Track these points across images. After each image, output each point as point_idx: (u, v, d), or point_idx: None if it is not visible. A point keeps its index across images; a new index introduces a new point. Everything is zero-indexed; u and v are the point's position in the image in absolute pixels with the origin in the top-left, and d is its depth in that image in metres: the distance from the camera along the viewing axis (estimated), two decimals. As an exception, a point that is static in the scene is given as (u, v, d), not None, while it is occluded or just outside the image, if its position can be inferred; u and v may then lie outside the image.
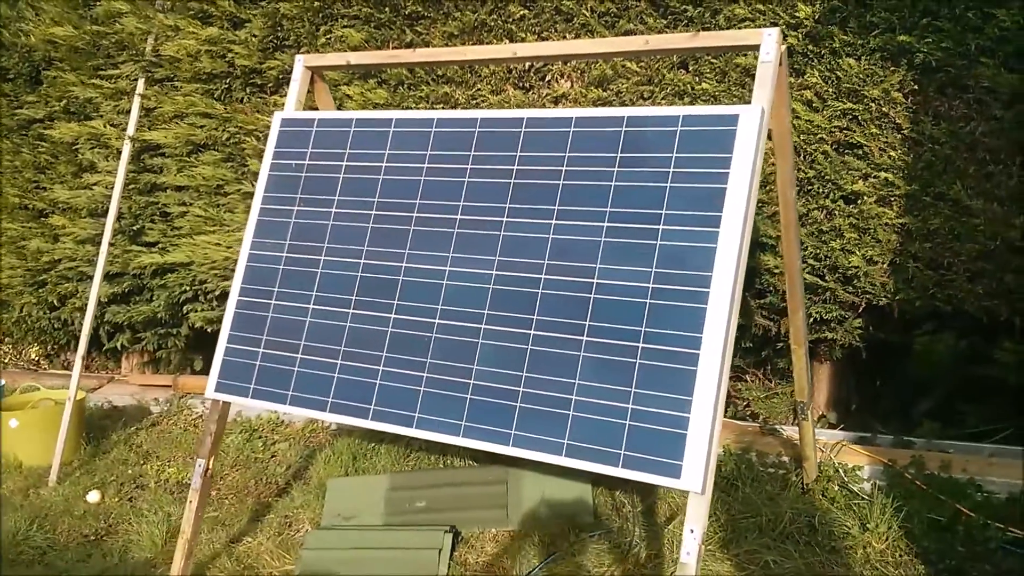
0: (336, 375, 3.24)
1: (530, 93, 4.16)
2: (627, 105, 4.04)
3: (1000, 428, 4.14)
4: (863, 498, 3.73)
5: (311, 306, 3.37)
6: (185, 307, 5.34)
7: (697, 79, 3.79)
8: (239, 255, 3.58)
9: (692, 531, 2.61)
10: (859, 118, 3.53)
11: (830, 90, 3.56)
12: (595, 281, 2.88)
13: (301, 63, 3.68)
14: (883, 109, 3.49)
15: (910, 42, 3.36)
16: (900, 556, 3.42)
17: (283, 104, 4.63)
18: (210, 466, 3.52)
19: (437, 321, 3.11)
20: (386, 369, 3.15)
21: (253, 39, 4.49)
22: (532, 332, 2.93)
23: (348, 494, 4.12)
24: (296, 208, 3.51)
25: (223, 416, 3.57)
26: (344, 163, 3.46)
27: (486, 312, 3.03)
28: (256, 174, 4.85)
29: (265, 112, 4.65)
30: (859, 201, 3.60)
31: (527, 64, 4.09)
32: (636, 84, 3.91)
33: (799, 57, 3.61)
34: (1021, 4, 3.29)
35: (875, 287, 3.74)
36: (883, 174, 3.55)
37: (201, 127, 4.80)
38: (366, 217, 3.35)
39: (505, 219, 3.08)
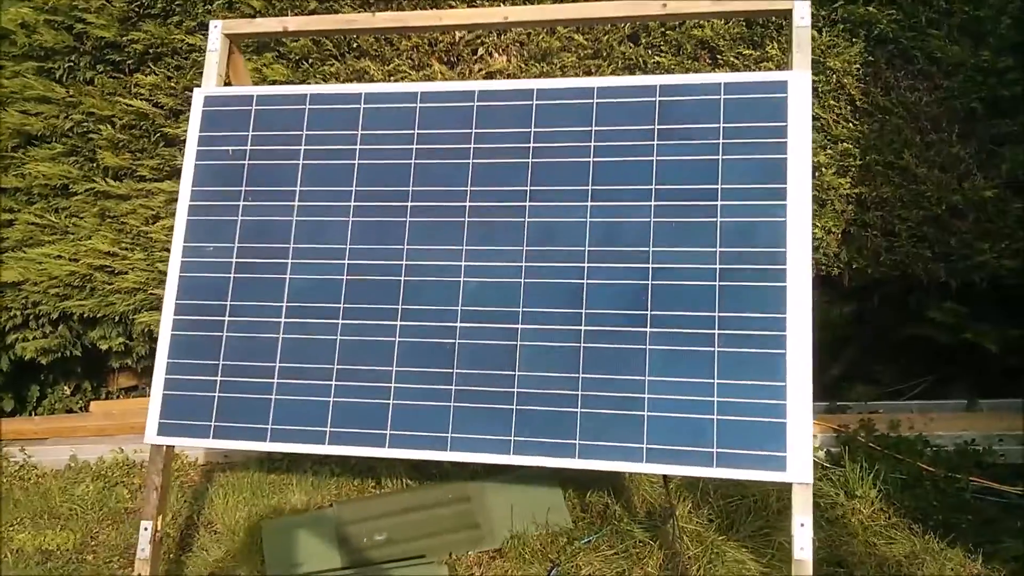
0: (332, 399, 2.71)
1: (458, 68, 3.77)
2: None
3: (915, 385, 4.39)
4: (830, 466, 3.76)
5: (283, 319, 2.80)
6: (10, 336, 4.35)
7: (649, 52, 3.60)
8: (168, 266, 2.91)
9: (803, 524, 2.44)
10: (819, 90, 3.53)
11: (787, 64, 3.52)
12: (651, 266, 2.60)
13: (219, 30, 3.05)
14: (842, 80, 3.52)
15: (873, 13, 3.40)
16: (889, 518, 3.47)
17: (149, 85, 3.88)
18: (159, 527, 2.84)
19: (459, 325, 2.69)
20: (400, 386, 2.68)
21: (111, 6, 3.69)
22: (583, 328, 2.61)
23: (290, 537, 3.52)
24: (243, 203, 2.91)
25: (168, 464, 2.89)
26: (303, 147, 2.91)
27: (521, 310, 2.66)
28: (111, 169, 4.03)
29: (122, 95, 3.85)
30: (818, 173, 3.61)
31: (457, 35, 3.69)
32: (582, 58, 3.65)
33: (758, 28, 3.54)
34: (966, -23, 3.44)
35: (828, 257, 3.77)
36: (841, 145, 3.58)
37: (37, 115, 3.90)
38: (343, 210, 2.83)
39: (528, 203, 2.72)
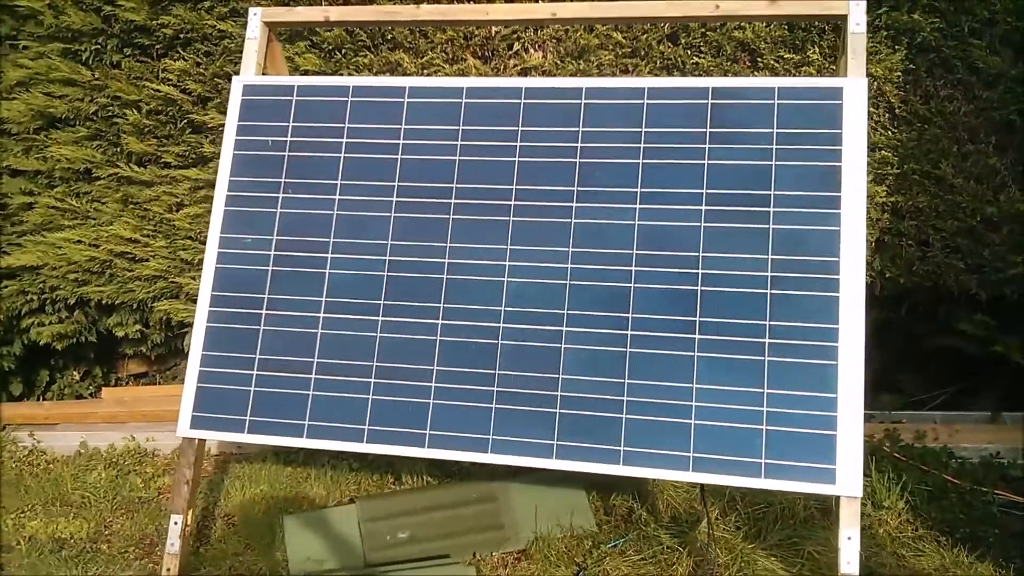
0: (371, 396, 2.67)
1: (492, 63, 3.72)
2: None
3: (936, 395, 4.37)
4: (856, 476, 3.74)
5: (321, 315, 2.75)
6: (25, 320, 4.28)
7: (688, 52, 3.56)
8: (204, 256, 2.86)
9: (850, 538, 2.42)
10: (858, 96, 3.50)
11: (832, 68, 3.49)
12: (700, 271, 2.57)
13: (259, 18, 3.00)
14: (882, 88, 3.49)
15: (917, 21, 3.37)
16: (916, 530, 3.46)
17: (177, 70, 3.82)
18: (188, 522, 2.79)
19: (502, 326, 2.65)
20: (441, 386, 2.64)
21: (143, -11, 3.63)
22: (629, 332, 2.57)
23: (313, 533, 3.47)
24: (282, 195, 2.86)
25: (199, 458, 2.84)
26: (344, 140, 2.86)
27: (566, 312, 2.62)
28: (135, 155, 3.97)
29: (150, 80, 3.79)
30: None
31: (493, 30, 3.64)
32: (620, 57, 3.61)
33: (800, 32, 3.51)
34: (1011, -13, 3.42)
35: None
36: (879, 152, 3.55)
37: (61, 97, 3.82)
38: (385, 205, 2.79)
39: (575, 204, 2.68)
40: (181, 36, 3.74)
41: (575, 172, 2.69)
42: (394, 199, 2.78)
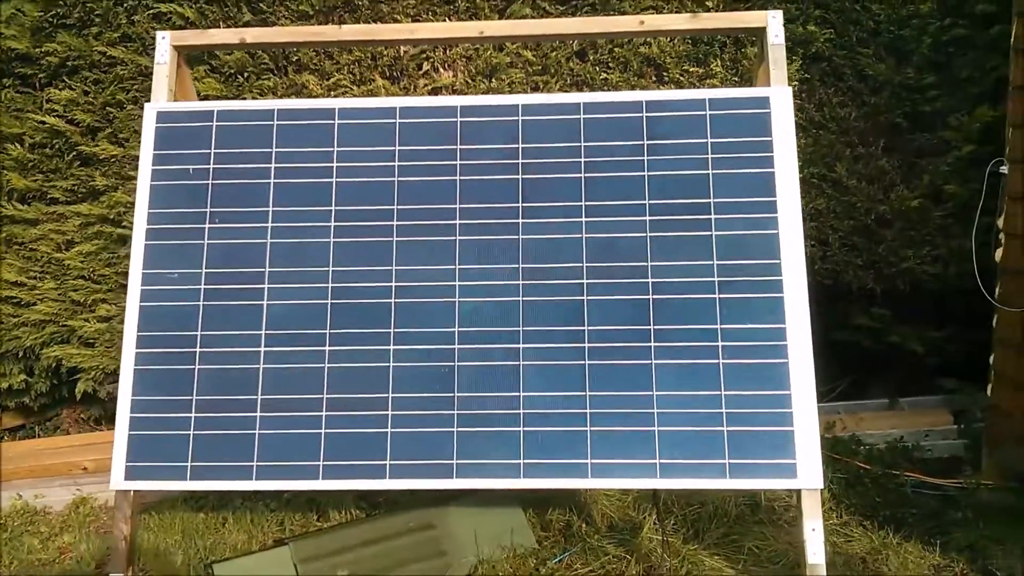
0: (323, 431, 2.56)
1: (401, 83, 3.66)
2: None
3: (834, 387, 4.60)
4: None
5: (262, 349, 2.62)
6: None
7: (596, 68, 3.62)
8: (126, 296, 2.67)
9: (814, 529, 2.50)
10: (759, 106, 3.65)
11: (735, 79, 3.63)
12: (650, 280, 2.61)
13: (167, 42, 2.85)
14: (780, 97, 3.66)
15: (812, 32, 3.55)
16: (840, 516, 3.61)
17: (64, 100, 3.57)
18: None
19: (457, 347, 2.60)
20: (397, 413, 2.56)
21: (23, 16, 3.35)
22: (587, 345, 2.58)
23: (247, 580, 3.30)
24: (208, 226, 2.71)
25: (135, 512, 2.65)
26: (272, 165, 2.74)
27: (521, 329, 2.60)
28: (17, 192, 3.68)
29: (33, 112, 3.51)
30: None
31: (402, 50, 3.59)
32: (530, 74, 3.63)
33: (703, 46, 3.63)
34: (890, 2, 3.65)
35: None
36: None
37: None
38: (323, 231, 2.69)
39: (521, 220, 2.67)
40: (68, 64, 3.50)
41: (519, 188, 2.68)
42: (332, 224, 2.69)
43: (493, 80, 3.63)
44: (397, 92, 3.65)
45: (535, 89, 3.66)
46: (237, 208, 2.71)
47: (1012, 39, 3.52)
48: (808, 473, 2.47)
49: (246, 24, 3.50)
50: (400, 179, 2.71)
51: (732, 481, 2.48)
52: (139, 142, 3.52)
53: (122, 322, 3.71)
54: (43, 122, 3.53)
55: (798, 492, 2.51)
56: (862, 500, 3.69)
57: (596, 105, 2.73)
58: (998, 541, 3.28)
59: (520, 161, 2.70)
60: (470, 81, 3.64)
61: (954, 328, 4.11)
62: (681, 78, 3.64)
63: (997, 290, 3.66)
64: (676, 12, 3.51)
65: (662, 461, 2.49)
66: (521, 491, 3.79)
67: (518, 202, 2.67)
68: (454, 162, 2.71)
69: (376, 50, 3.59)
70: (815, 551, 2.48)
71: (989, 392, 3.78)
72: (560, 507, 3.75)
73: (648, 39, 3.59)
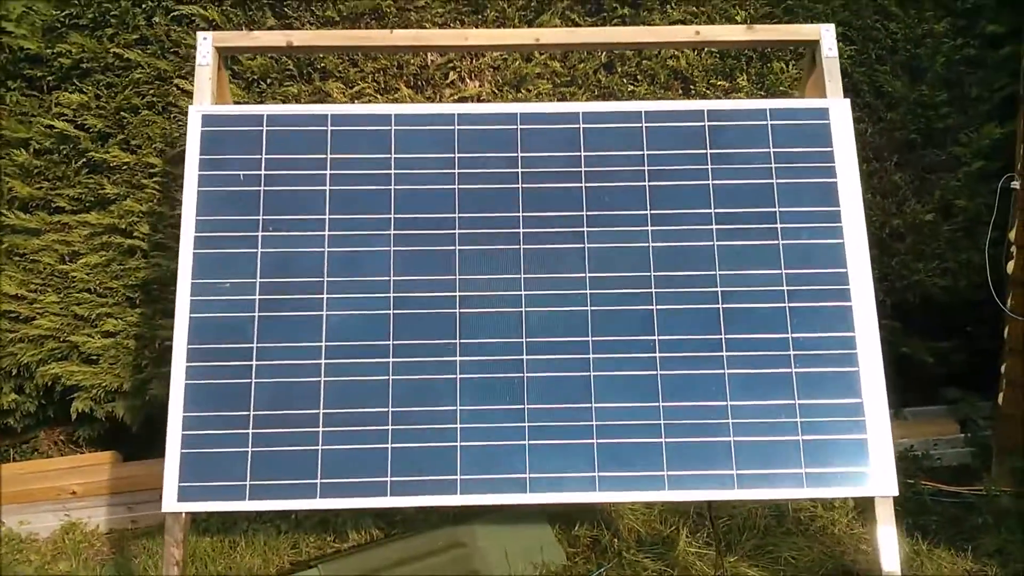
0: (389, 446, 2.47)
1: (426, 92, 3.58)
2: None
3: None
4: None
5: (323, 361, 2.52)
6: None
7: (623, 80, 3.60)
8: (176, 306, 2.54)
9: (888, 536, 2.50)
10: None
11: (760, 93, 3.66)
12: (719, 290, 2.59)
13: (209, 43, 2.73)
14: (802, 111, 3.70)
15: (840, 48, 3.60)
16: (863, 525, 3.64)
17: (72, 103, 3.40)
18: (183, 610, 2.44)
19: (526, 358, 2.54)
20: (466, 427, 2.48)
21: (34, 14, 3.17)
22: (658, 355, 2.54)
23: (278, 606, 3.16)
24: (262, 234, 2.60)
25: (186, 535, 2.50)
26: (328, 172, 2.65)
27: (591, 339, 2.55)
28: (19, 200, 3.48)
29: (40, 114, 3.32)
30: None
31: (429, 59, 3.52)
32: (557, 85, 3.59)
33: (730, 60, 3.65)
34: (906, 21, 3.73)
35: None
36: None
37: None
38: (383, 239, 2.60)
39: (586, 229, 2.63)
40: (80, 66, 3.34)
41: (582, 197, 2.64)
42: (392, 232, 2.60)
43: (520, 91, 3.59)
44: (423, 101, 3.57)
45: (561, 99, 3.63)
46: (292, 216, 2.61)
47: (1023, 59, 3.64)
48: (882, 480, 2.48)
49: (270, 27, 3.39)
50: (460, 187, 2.64)
51: (808, 490, 2.47)
52: (153, 149, 3.42)
53: (129, 337, 3.57)
54: (51, 126, 3.35)
55: (871, 499, 2.51)
56: (884, 509, 3.72)
57: (658, 114, 2.71)
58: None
59: (583, 169, 2.67)
60: (497, 91, 3.59)
61: (960, 339, 4.20)
62: (707, 91, 3.66)
63: (1009, 301, 3.75)
64: (704, 22, 3.52)
65: (739, 472, 2.46)
66: (547, 506, 3.75)
67: (582, 210, 2.63)
68: (515, 170, 2.66)
69: (403, 58, 3.51)
70: (890, 558, 2.48)
71: (1000, 400, 3.86)
72: (586, 522, 3.70)
73: (675, 52, 3.59)
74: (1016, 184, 3.67)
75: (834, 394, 2.52)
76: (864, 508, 3.69)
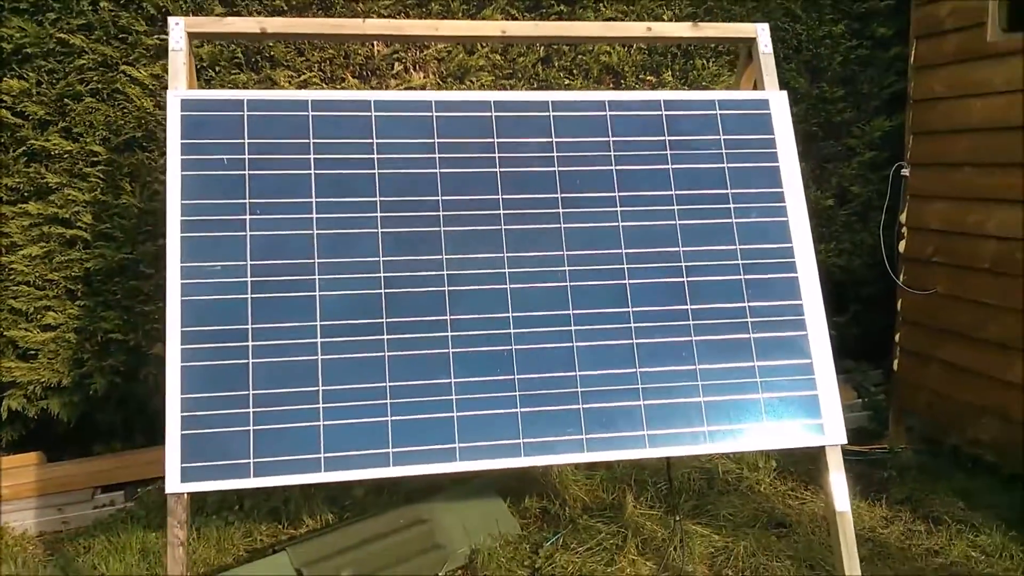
0: (389, 419, 2.57)
1: (371, 82, 3.66)
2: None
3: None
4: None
5: (319, 340, 2.59)
6: None
7: (561, 74, 3.79)
8: (165, 290, 2.55)
9: (838, 480, 2.79)
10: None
11: (684, 87, 3.93)
12: (684, 264, 2.83)
13: (181, 28, 2.75)
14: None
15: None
16: (786, 482, 3.98)
17: (13, 90, 3.29)
18: (189, 589, 2.46)
19: (512, 331, 2.69)
20: (461, 398, 2.62)
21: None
22: (632, 325, 2.76)
23: (251, 589, 3.17)
24: (250, 217, 2.64)
25: (188, 516, 2.52)
26: (312, 156, 2.72)
27: (572, 312, 2.74)
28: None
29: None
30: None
31: (375, 49, 3.60)
32: (498, 78, 3.75)
33: (657, 57, 3.90)
34: (809, 23, 4.09)
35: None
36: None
37: None
38: (370, 221, 2.70)
39: (561, 210, 2.81)
40: (22, 52, 3.24)
41: (556, 180, 2.82)
42: (378, 215, 2.70)
43: (464, 82, 3.73)
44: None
45: (501, 91, 3.78)
46: (278, 199, 2.66)
47: (911, 59, 4.08)
48: (833, 430, 2.77)
49: (215, 15, 3.39)
50: (441, 171, 2.77)
51: (770, 442, 2.73)
52: (96, 137, 3.36)
53: (69, 331, 3.49)
54: (-11, 113, 3.24)
55: (823, 448, 2.81)
56: (800, 468, 4.09)
57: (620, 103, 2.92)
58: (929, 492, 3.77)
59: (555, 154, 2.84)
60: (441, 82, 3.72)
61: (853, 314, 4.64)
62: (636, 85, 3.91)
63: (902, 276, 4.19)
64: (635, 21, 3.76)
65: (709, 428, 2.71)
66: (497, 480, 3.91)
67: (557, 193, 2.81)
68: (492, 155, 2.81)
69: (349, 48, 3.59)
70: (841, 499, 2.78)
71: (895, 367, 4.31)
72: (534, 494, 3.89)
73: (608, 48, 3.82)
74: (906, 171, 4.10)
75: (787, 355, 2.80)
76: (784, 468, 4.07)
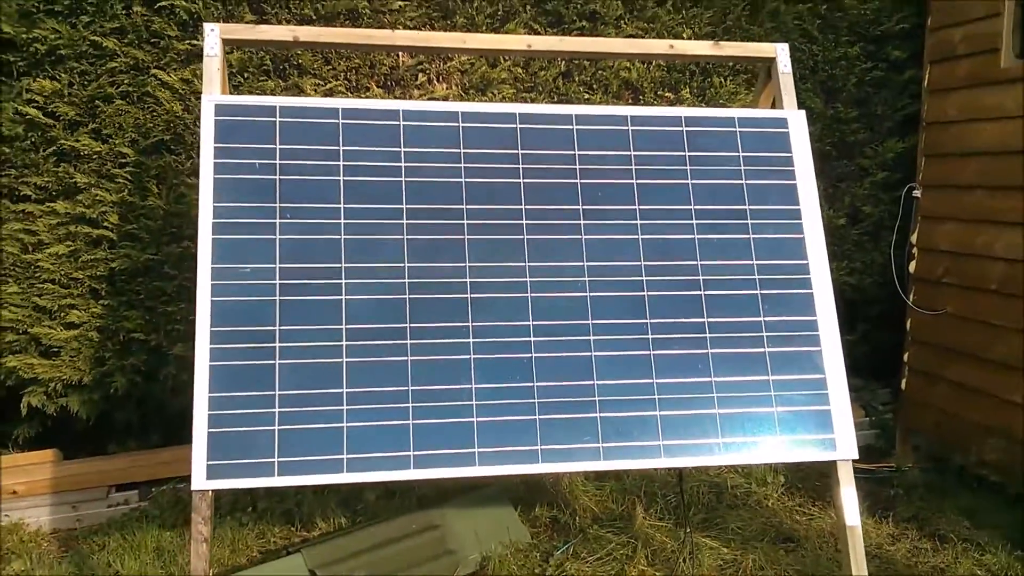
0: (411, 422, 2.62)
1: (395, 92, 3.73)
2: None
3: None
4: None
5: (344, 343, 2.65)
6: None
7: (581, 88, 3.86)
8: (194, 291, 2.61)
9: (849, 494, 2.84)
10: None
11: (701, 104, 3.99)
12: (701, 278, 2.89)
13: (216, 34, 2.82)
14: (737, 123, 4.07)
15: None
16: (793, 498, 4.02)
17: (45, 90, 3.35)
18: (211, 585, 2.50)
19: (533, 339, 2.75)
20: (482, 403, 2.67)
21: (9, -3, 3.12)
22: (650, 336, 2.81)
23: (266, 589, 3.21)
24: (280, 221, 2.70)
25: (213, 513, 2.56)
26: (341, 163, 2.78)
27: (591, 322, 2.79)
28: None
29: (9, 100, 3.25)
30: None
31: (401, 60, 3.67)
32: (519, 91, 3.81)
33: (676, 74, 3.97)
34: (825, 44, 4.17)
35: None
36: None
37: None
38: (396, 228, 2.76)
39: (583, 222, 2.87)
40: (55, 53, 3.30)
41: (578, 192, 2.88)
42: (404, 221, 2.76)
43: (486, 94, 3.79)
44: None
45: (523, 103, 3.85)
46: (308, 204, 2.72)
47: (925, 83, 4.15)
48: (845, 445, 2.82)
49: (248, 23, 3.46)
50: (467, 180, 2.83)
51: (783, 455, 2.78)
52: (125, 139, 3.43)
53: (92, 329, 3.55)
54: (23, 113, 3.30)
55: (834, 463, 2.85)
56: (807, 484, 4.13)
57: (642, 118, 2.99)
58: (935, 511, 3.81)
59: (577, 167, 2.90)
60: (463, 94, 3.78)
61: (862, 333, 4.69)
62: (654, 101, 3.98)
63: (911, 296, 4.24)
64: (655, 38, 3.83)
65: (724, 440, 2.75)
66: (508, 488, 3.96)
67: (579, 204, 2.87)
68: (516, 165, 2.87)
69: (375, 58, 3.66)
70: (851, 514, 2.83)
71: (903, 386, 4.35)
72: (544, 503, 3.93)
73: (627, 64, 3.89)
74: (918, 193, 4.16)
75: (801, 370, 2.85)
76: (792, 483, 4.11)
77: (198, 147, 3.41)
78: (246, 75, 3.53)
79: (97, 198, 3.46)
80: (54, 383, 3.62)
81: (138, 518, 3.90)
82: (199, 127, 3.16)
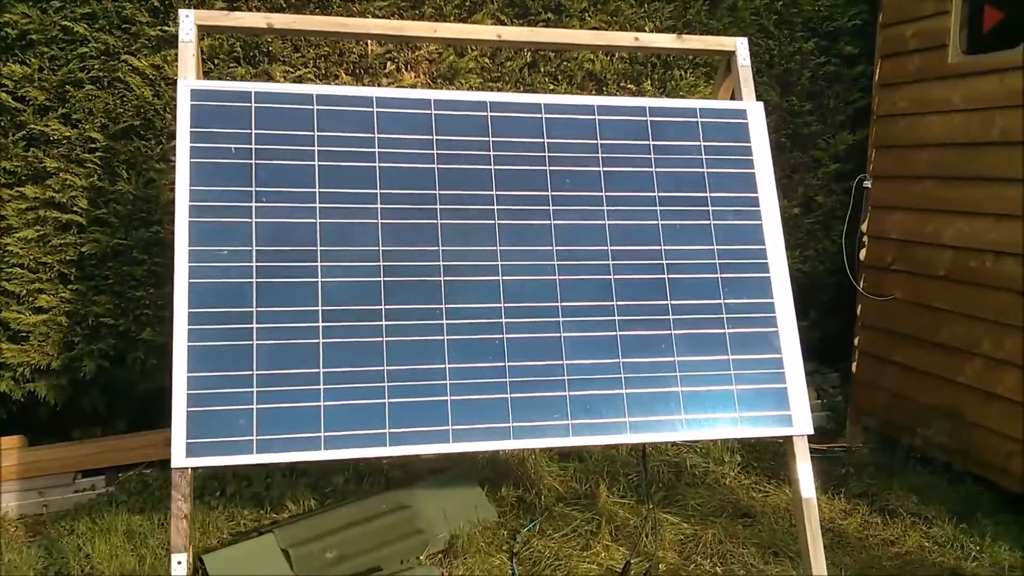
0: (387, 400, 2.70)
1: (365, 80, 3.78)
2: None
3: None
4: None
5: (320, 324, 2.71)
6: None
7: (546, 79, 3.95)
8: (172, 273, 2.65)
9: (805, 469, 2.98)
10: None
11: (663, 96, 4.11)
12: (664, 262, 3.00)
13: (191, 20, 2.85)
14: (697, 114, 4.20)
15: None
16: (749, 476, 4.17)
17: (15, 74, 3.36)
18: (191, 561, 2.56)
19: (504, 320, 2.84)
20: (455, 382, 2.76)
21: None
22: (617, 318, 2.92)
23: (240, 567, 3.25)
24: (255, 204, 2.76)
25: (191, 490, 2.61)
26: (316, 148, 2.84)
27: (560, 304, 2.89)
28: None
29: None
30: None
31: (370, 48, 3.73)
32: (486, 80, 3.89)
33: (638, 66, 4.07)
34: (781, 39, 4.31)
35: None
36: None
37: None
38: (371, 212, 2.83)
39: (552, 207, 2.96)
40: (25, 38, 3.31)
41: (547, 178, 2.97)
42: (378, 206, 2.83)
43: (453, 83, 3.87)
44: (360, 90, 3.78)
45: (489, 94, 3.94)
46: (284, 188, 2.78)
47: (876, 77, 4.31)
48: (801, 422, 2.96)
49: (219, 10, 3.49)
50: (440, 166, 2.91)
51: (742, 431, 2.91)
52: (95, 124, 3.44)
53: (61, 314, 3.56)
54: (-10, 97, 3.31)
55: (790, 438, 2.99)
56: (761, 463, 4.29)
57: (609, 108, 3.09)
58: (885, 487, 3.98)
59: (547, 154, 3.00)
60: (431, 83, 3.85)
61: (814, 318, 4.86)
62: (617, 92, 4.09)
63: (862, 282, 4.42)
64: (619, 31, 3.94)
65: (686, 417, 2.87)
66: (475, 469, 4.05)
67: (548, 191, 2.96)
68: (487, 152, 2.95)
69: (344, 46, 3.71)
70: (807, 487, 2.96)
71: (854, 369, 4.53)
72: (510, 483, 4.03)
73: (591, 56, 3.99)
74: (868, 183, 4.33)
75: (759, 350, 2.98)
76: (748, 463, 4.26)
77: (168, 133, 3.47)
78: (216, 61, 3.56)
79: (67, 183, 3.47)
80: (22, 368, 3.63)
81: (106, 503, 3.92)
82: (169, 113, 3.22)
